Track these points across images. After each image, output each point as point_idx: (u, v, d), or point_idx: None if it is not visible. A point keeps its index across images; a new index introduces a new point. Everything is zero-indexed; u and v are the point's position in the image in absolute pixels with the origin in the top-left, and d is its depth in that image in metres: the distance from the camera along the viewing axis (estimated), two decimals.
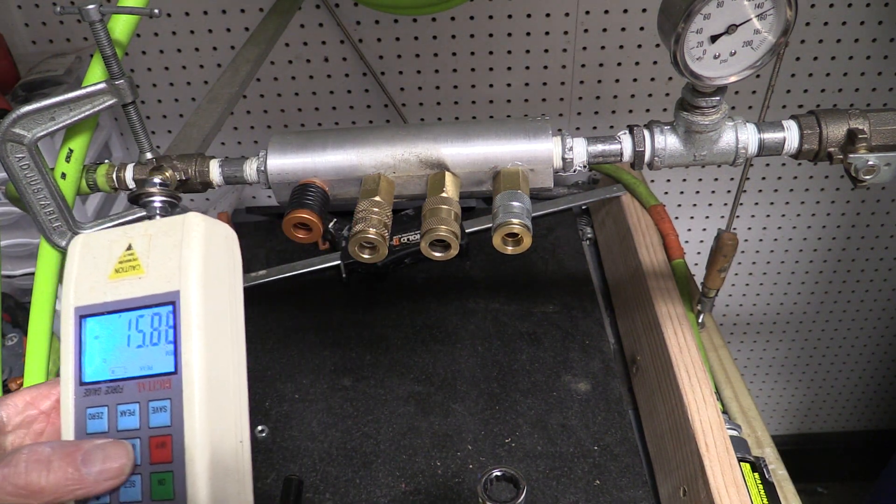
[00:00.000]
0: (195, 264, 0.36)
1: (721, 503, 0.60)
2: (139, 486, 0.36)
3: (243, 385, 0.39)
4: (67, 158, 0.61)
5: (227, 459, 0.36)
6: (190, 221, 0.37)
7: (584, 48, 1.07)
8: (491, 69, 1.09)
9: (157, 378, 0.36)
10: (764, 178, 1.24)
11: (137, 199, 0.40)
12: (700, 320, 0.87)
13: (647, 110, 1.14)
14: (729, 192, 1.26)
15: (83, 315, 0.38)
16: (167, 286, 0.36)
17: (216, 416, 0.36)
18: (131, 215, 0.63)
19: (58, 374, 0.40)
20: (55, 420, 0.40)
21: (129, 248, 0.38)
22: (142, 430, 0.36)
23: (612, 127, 1.16)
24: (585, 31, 1.05)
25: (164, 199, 0.41)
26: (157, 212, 0.41)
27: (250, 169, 0.58)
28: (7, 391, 0.86)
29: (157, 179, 0.41)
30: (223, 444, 0.36)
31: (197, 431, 0.35)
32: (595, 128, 1.16)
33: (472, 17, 1.03)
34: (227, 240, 0.39)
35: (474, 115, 1.14)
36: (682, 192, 1.26)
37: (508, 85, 1.11)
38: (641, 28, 1.05)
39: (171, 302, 0.36)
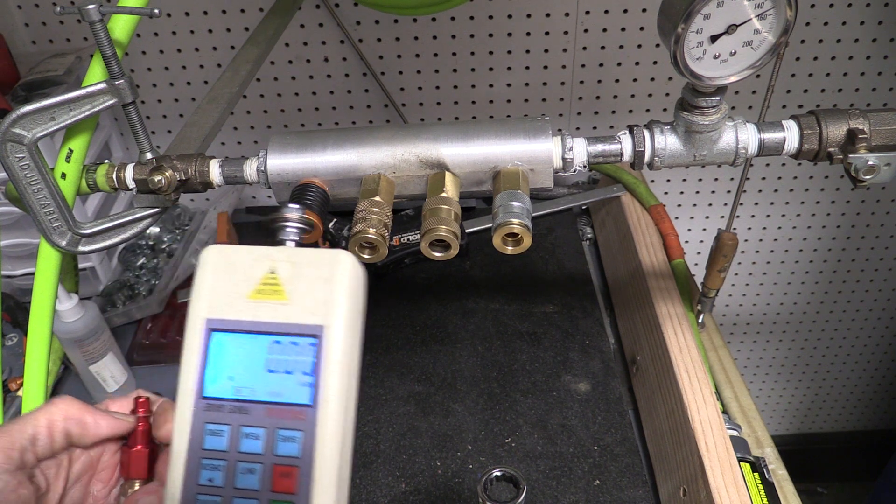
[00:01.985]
0: (343, 302, 0.37)
1: (721, 503, 0.60)
2: None
3: (355, 414, 0.39)
4: (67, 158, 0.61)
5: (342, 491, 0.37)
6: (341, 259, 0.38)
7: (584, 48, 1.07)
8: (491, 69, 1.09)
9: (290, 408, 0.36)
10: (764, 178, 1.24)
11: (273, 223, 0.41)
12: (700, 320, 0.87)
13: (648, 110, 1.14)
14: (729, 192, 1.26)
15: (213, 328, 0.37)
16: (312, 319, 0.37)
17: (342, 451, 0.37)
18: (132, 215, 0.63)
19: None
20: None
21: (273, 272, 0.38)
22: (265, 456, 0.36)
23: (612, 127, 1.16)
24: (585, 31, 1.05)
25: (299, 226, 0.41)
26: (292, 236, 0.41)
27: (250, 169, 0.58)
28: (7, 391, 0.86)
29: (294, 205, 0.41)
30: (342, 476, 0.37)
31: (328, 467, 0.35)
32: (595, 128, 1.16)
33: (471, 17, 1.03)
34: (363, 279, 0.40)
35: (474, 115, 1.14)
36: (682, 192, 1.26)
37: (508, 85, 1.11)
38: (641, 28, 1.05)
39: (314, 335, 0.36)
